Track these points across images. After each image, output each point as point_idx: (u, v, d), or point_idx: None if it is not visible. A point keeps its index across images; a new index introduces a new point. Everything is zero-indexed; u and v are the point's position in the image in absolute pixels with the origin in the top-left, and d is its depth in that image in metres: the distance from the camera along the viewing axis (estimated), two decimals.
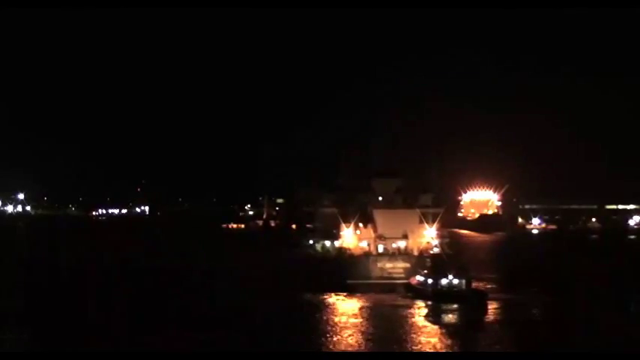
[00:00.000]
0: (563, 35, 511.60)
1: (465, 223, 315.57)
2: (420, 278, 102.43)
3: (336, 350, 70.64)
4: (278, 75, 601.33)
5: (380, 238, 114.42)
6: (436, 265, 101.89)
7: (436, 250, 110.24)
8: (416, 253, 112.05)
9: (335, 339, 75.31)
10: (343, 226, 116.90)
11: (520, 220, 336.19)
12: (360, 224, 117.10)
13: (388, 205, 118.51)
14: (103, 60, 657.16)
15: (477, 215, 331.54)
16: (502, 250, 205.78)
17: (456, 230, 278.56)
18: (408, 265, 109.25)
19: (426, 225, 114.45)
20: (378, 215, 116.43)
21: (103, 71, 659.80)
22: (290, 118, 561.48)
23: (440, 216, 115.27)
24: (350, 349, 70.92)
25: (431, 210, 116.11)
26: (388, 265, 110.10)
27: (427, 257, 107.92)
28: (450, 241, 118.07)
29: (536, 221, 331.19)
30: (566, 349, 69.43)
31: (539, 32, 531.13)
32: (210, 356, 65.71)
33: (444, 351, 70.72)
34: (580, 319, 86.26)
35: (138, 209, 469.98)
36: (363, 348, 71.49)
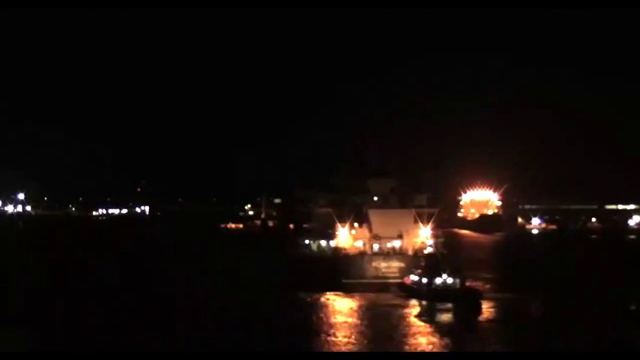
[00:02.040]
0: (564, 35, 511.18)
1: (465, 223, 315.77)
2: (414, 278, 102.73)
3: (331, 350, 70.75)
4: (276, 76, 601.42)
5: (375, 237, 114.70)
6: (430, 264, 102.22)
7: (430, 249, 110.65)
8: (410, 252, 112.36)
9: (330, 339, 75.57)
10: (339, 225, 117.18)
11: (520, 220, 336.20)
12: (356, 224, 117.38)
13: (383, 205, 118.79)
14: (103, 60, 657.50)
15: (476, 215, 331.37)
16: (500, 250, 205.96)
17: (456, 230, 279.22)
18: (402, 264, 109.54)
19: (420, 225, 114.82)
20: (373, 215, 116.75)
21: (103, 72, 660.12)
22: (288, 118, 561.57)
23: (435, 216, 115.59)
24: (345, 348, 71.07)
25: (426, 210, 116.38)
26: (383, 264, 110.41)
27: (422, 257, 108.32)
28: (444, 240, 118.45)
29: (536, 221, 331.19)
30: (563, 349, 69.40)
31: (540, 32, 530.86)
32: (209, 356, 65.88)
33: (438, 351, 70.87)
34: (578, 318, 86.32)
35: (138, 209, 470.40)
36: (358, 347, 71.66)
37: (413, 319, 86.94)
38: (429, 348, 71.29)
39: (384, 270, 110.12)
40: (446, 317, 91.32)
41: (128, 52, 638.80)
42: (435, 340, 75.23)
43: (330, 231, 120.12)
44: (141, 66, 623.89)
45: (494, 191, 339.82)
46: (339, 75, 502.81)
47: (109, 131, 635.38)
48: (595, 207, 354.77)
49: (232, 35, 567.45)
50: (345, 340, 74.70)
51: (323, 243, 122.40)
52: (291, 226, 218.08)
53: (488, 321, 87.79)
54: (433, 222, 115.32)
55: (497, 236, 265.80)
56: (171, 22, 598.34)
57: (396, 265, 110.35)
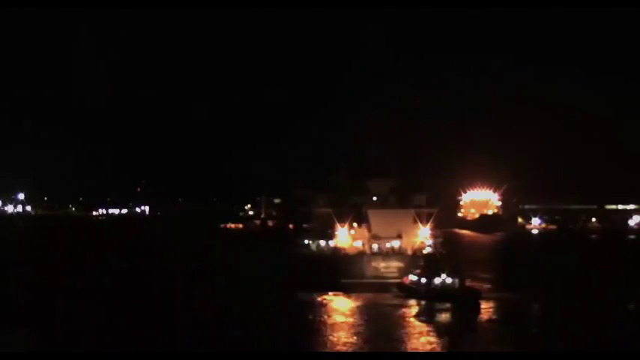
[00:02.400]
0: (564, 35, 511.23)
1: (465, 223, 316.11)
2: (413, 277, 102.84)
3: (331, 350, 70.74)
4: (276, 76, 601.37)
5: (374, 237, 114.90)
6: (429, 264, 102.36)
7: (429, 249, 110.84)
8: (410, 252, 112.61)
9: (330, 338, 75.54)
10: (338, 225, 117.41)
11: (520, 220, 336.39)
12: (355, 224, 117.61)
13: (383, 205, 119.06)
14: (102, 60, 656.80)
15: (477, 215, 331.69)
16: (500, 250, 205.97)
17: (456, 230, 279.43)
18: (401, 264, 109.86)
19: (420, 225, 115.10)
20: (373, 215, 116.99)
21: (103, 71, 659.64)
22: (288, 118, 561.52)
23: (434, 216, 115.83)
24: (344, 348, 71.04)
25: (425, 210, 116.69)
26: (382, 264, 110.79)
27: (421, 257, 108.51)
28: (443, 240, 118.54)
29: (536, 221, 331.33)
30: (563, 349, 69.46)
31: (540, 32, 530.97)
32: (209, 356, 65.90)
33: (437, 351, 70.90)
34: (578, 318, 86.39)
35: (138, 209, 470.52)
36: (357, 347, 71.62)
37: (412, 319, 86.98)
38: (428, 348, 71.29)
39: (383, 270, 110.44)
40: (445, 317, 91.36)
41: (128, 52, 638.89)
42: (434, 340, 75.22)
43: (329, 231, 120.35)
44: (141, 65, 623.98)
45: (494, 191, 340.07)
46: (339, 75, 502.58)
47: (109, 131, 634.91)
48: (595, 207, 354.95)
49: (232, 35, 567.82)
50: (345, 340, 74.68)
51: (322, 243, 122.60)
52: (291, 226, 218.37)
53: (488, 321, 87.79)
54: (432, 222, 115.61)
55: (497, 236, 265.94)
56: (172, 22, 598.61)
57: (395, 265, 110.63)
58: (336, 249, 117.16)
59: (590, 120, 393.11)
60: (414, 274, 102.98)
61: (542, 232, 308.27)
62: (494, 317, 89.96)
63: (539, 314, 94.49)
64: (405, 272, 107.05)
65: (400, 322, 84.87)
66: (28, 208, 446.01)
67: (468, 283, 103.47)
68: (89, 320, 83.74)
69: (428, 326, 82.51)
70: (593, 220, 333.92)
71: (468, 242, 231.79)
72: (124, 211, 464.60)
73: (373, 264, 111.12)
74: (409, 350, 70.98)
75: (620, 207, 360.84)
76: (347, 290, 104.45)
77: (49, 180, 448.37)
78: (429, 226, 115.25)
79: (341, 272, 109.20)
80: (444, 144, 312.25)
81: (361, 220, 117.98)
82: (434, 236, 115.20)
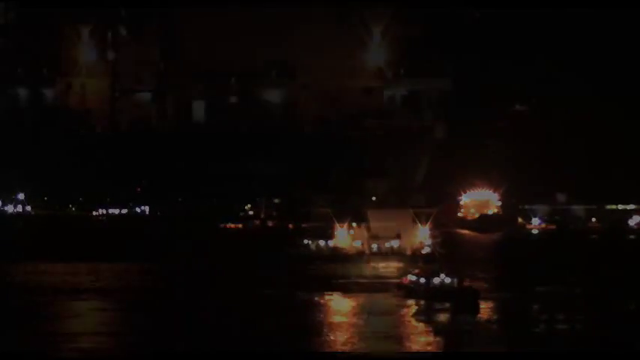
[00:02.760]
0: (564, 35, 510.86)
1: (465, 223, 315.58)
2: (412, 277, 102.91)
3: (330, 350, 70.84)
4: (275, 74, 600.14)
5: (373, 237, 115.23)
6: (428, 264, 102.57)
7: (428, 249, 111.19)
8: (409, 252, 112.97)
9: (329, 338, 75.66)
10: (337, 225, 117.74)
11: (520, 220, 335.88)
12: (354, 224, 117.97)
13: (381, 205, 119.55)
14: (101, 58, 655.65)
15: (477, 215, 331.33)
16: (500, 250, 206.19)
17: (456, 230, 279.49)
18: (400, 264, 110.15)
19: (419, 225, 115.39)
20: (372, 215, 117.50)
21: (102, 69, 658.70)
22: (287, 117, 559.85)
23: (433, 216, 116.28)
24: (343, 348, 71.14)
25: (424, 210, 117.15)
26: (381, 264, 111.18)
27: (420, 257, 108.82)
28: (443, 240, 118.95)
29: (535, 221, 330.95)
30: (563, 349, 69.56)
31: (540, 32, 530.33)
32: (209, 356, 66.02)
33: (436, 351, 71.00)
34: (577, 318, 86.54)
35: (138, 209, 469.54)
36: (356, 347, 71.70)
37: (411, 319, 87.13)
38: (427, 348, 71.34)
39: (382, 270, 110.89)
40: (444, 317, 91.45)
41: (127, 50, 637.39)
42: (432, 339, 75.37)
43: (328, 231, 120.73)
44: (140, 64, 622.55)
45: (494, 191, 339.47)
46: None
47: (109, 131, 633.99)
48: (595, 207, 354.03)
49: (232, 34, 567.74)
50: (344, 340, 74.78)
51: (322, 243, 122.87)
52: (291, 226, 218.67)
53: (487, 321, 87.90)
54: (432, 222, 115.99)
55: (496, 236, 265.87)
56: (171, 20, 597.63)
57: (394, 265, 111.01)
58: (335, 249, 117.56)
59: (590, 120, 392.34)
60: (413, 274, 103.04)
61: (542, 232, 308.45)
62: (493, 317, 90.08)
63: (540, 314, 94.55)
64: (404, 272, 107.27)
65: (399, 322, 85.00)
66: (28, 208, 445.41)
67: (467, 282, 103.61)
68: (89, 320, 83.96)
69: (427, 326, 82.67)
70: (593, 220, 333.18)
71: (468, 242, 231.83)
72: (124, 211, 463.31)
73: (372, 264, 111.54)
74: (408, 350, 71.01)
75: (620, 207, 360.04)
76: (346, 290, 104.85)
77: (49, 180, 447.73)
78: (428, 226, 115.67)
79: (340, 272, 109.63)
80: (442, 143, 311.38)
81: (360, 220, 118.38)
82: (433, 236, 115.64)
